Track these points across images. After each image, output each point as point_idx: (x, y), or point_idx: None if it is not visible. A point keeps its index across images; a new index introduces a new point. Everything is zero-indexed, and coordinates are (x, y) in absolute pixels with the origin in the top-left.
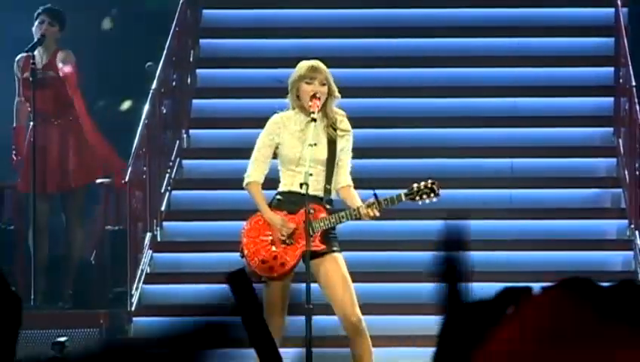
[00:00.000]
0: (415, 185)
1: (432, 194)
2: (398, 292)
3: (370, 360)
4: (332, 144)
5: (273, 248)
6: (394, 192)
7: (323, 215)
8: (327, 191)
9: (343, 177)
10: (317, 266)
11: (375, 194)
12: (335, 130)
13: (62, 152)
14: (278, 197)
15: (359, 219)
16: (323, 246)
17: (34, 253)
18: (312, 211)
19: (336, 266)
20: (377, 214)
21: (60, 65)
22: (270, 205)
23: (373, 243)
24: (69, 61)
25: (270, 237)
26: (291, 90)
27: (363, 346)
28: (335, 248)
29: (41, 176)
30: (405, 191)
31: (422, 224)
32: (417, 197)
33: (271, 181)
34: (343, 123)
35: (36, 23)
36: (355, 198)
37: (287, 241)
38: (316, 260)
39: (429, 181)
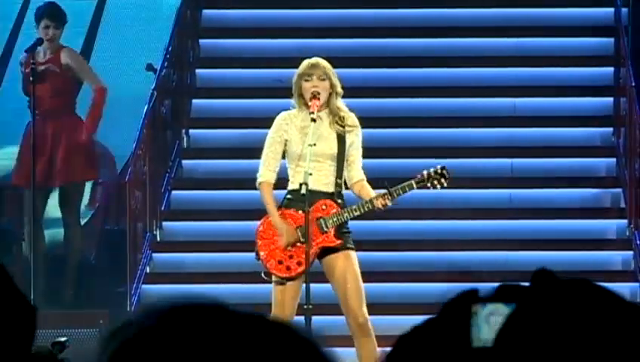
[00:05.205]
0: (425, 171)
1: (443, 179)
2: (401, 292)
3: (375, 361)
4: (340, 139)
5: (289, 247)
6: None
7: (335, 210)
8: (338, 186)
9: (356, 172)
10: (330, 261)
11: (387, 185)
12: (343, 126)
13: (59, 147)
14: (288, 196)
15: (372, 210)
16: (339, 242)
17: (33, 249)
18: (324, 207)
19: (348, 263)
20: (390, 204)
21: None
22: (281, 205)
23: (374, 243)
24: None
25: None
26: (294, 90)
27: (368, 346)
28: (349, 245)
29: (38, 171)
30: (416, 178)
31: (423, 224)
32: (428, 184)
33: (280, 180)
34: (350, 119)
35: (41, 27)
36: (370, 191)
37: (302, 240)
38: (331, 255)
39: (439, 167)
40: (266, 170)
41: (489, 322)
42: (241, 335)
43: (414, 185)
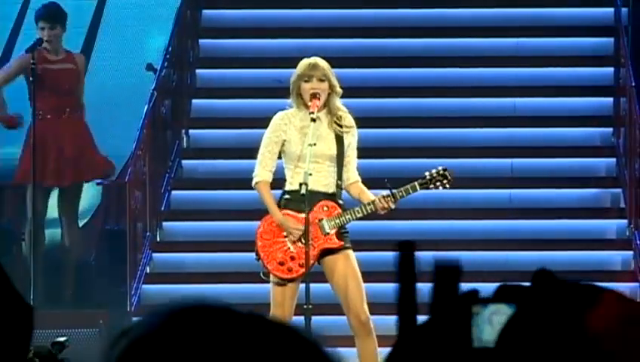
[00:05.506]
0: (427, 173)
1: (445, 181)
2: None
3: (376, 360)
4: (339, 140)
5: (291, 249)
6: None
7: (337, 211)
8: (339, 187)
9: (352, 173)
10: (330, 262)
11: (389, 186)
12: (340, 126)
13: (62, 146)
14: (286, 196)
15: (374, 212)
16: (340, 243)
17: (33, 249)
18: (325, 208)
19: (348, 263)
20: (392, 206)
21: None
22: (278, 205)
23: (374, 243)
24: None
25: (286, 239)
26: (292, 90)
27: (369, 345)
28: (347, 244)
29: (49, 169)
30: (419, 180)
31: (423, 224)
32: (432, 185)
33: (276, 180)
34: (347, 119)
35: (38, 29)
36: (367, 193)
37: (303, 241)
38: (330, 256)
39: (441, 168)
40: (262, 170)
41: (492, 322)
42: (246, 337)
43: (417, 187)
